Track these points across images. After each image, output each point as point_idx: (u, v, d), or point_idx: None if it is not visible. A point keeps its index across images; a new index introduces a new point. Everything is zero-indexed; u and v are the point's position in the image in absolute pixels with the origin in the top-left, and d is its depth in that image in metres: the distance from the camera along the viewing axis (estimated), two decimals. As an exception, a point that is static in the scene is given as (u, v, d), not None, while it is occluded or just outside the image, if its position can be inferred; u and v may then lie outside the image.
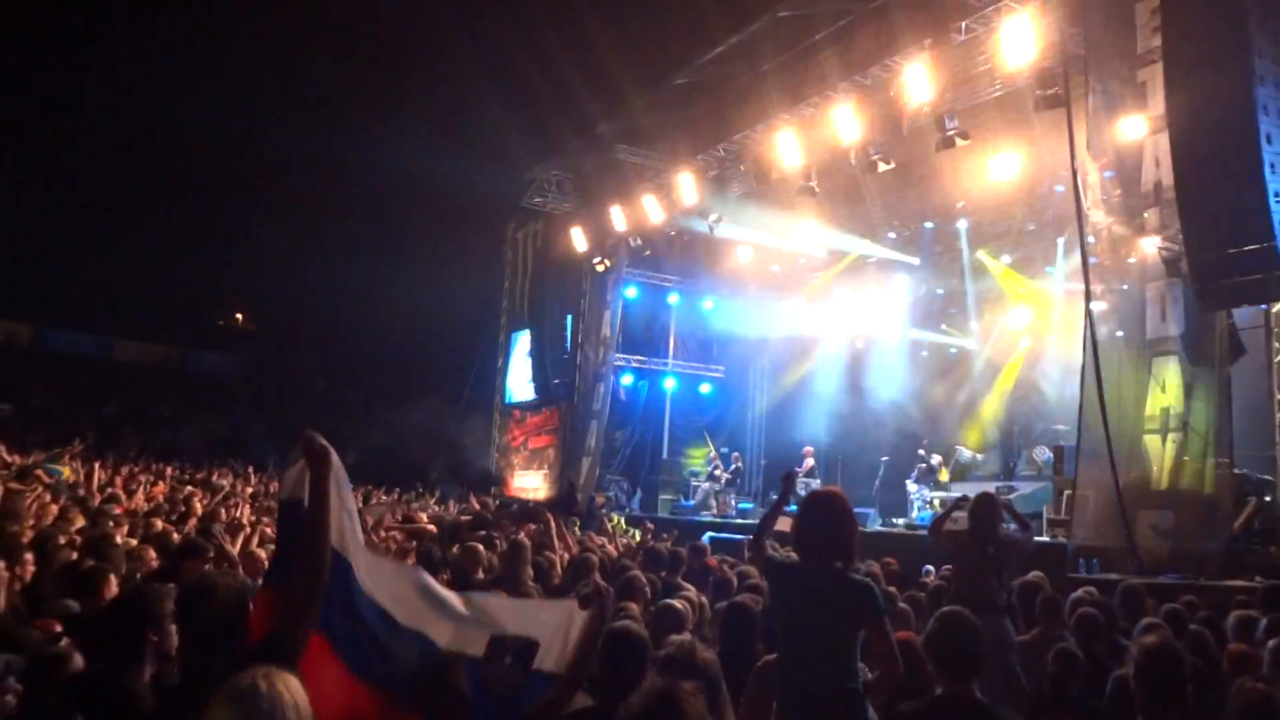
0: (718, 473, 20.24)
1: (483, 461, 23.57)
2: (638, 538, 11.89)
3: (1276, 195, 8.66)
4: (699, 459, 21.85)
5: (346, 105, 23.77)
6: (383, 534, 8.92)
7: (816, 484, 17.17)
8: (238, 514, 8.96)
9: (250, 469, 17.28)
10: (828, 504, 4.04)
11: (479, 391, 24.73)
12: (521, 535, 7.53)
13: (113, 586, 4.44)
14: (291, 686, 2.08)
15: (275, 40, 23.53)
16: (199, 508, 9.91)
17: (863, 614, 3.82)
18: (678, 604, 5.30)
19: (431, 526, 9.75)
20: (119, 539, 6.06)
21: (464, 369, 25.32)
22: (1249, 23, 8.82)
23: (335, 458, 3.14)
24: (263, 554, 6.21)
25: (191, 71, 24.59)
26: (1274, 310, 9.55)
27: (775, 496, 4.78)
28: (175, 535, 7.18)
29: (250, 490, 13.43)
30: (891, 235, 19.42)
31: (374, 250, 25.82)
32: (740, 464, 20.65)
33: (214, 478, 15.79)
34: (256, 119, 24.96)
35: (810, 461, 18.38)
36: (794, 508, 4.58)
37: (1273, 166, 8.68)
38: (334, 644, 3.12)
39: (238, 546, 6.46)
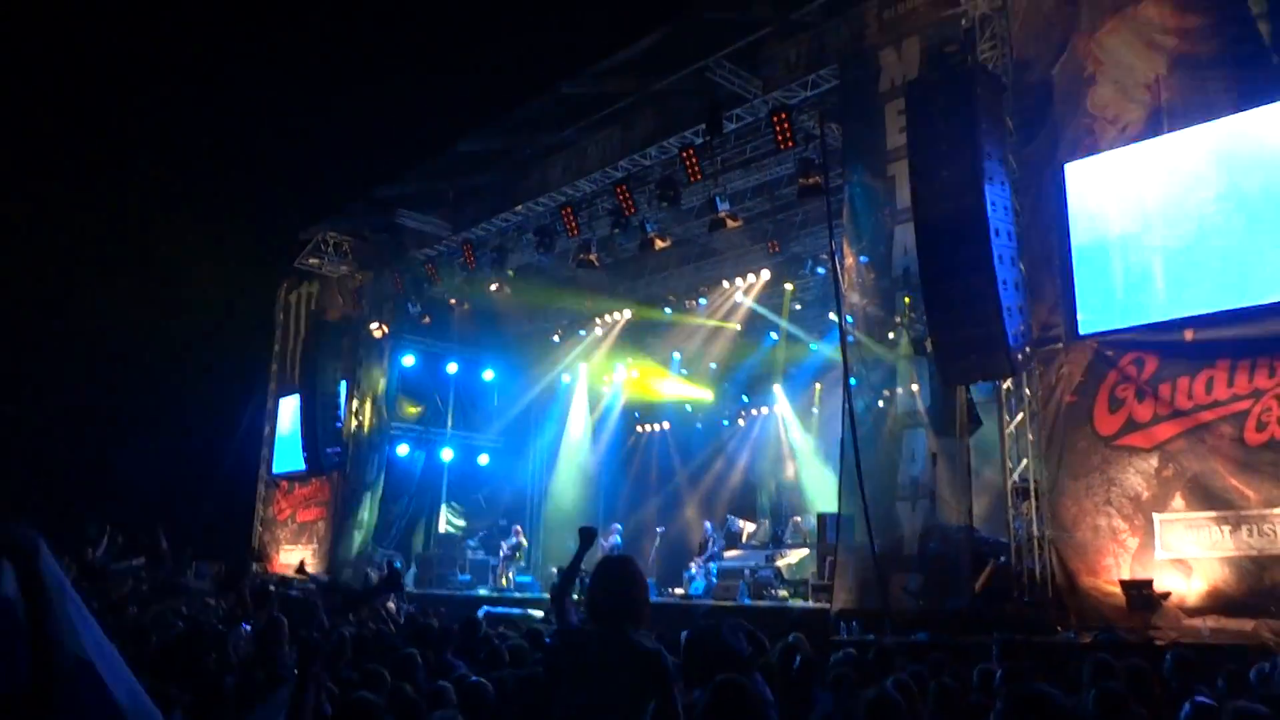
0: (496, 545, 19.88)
1: (245, 536, 22.05)
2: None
3: (1004, 283, 9.62)
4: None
5: (107, 141, 21.97)
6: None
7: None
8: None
9: None
10: (620, 570, 4.05)
11: (242, 461, 23.22)
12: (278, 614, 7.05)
13: None
14: None
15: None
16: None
17: (653, 681, 3.80)
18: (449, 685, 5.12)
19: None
20: None
21: (225, 437, 23.71)
22: (979, 128, 9.84)
23: (43, 547, 2.84)
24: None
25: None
26: (1004, 387, 10.50)
27: (575, 550, 4.77)
28: None
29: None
30: (668, 309, 20.07)
31: (123, 305, 23.66)
32: (523, 538, 20.40)
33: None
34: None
35: (616, 539, 18.33)
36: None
37: (1000, 258, 9.64)
38: None
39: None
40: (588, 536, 4.66)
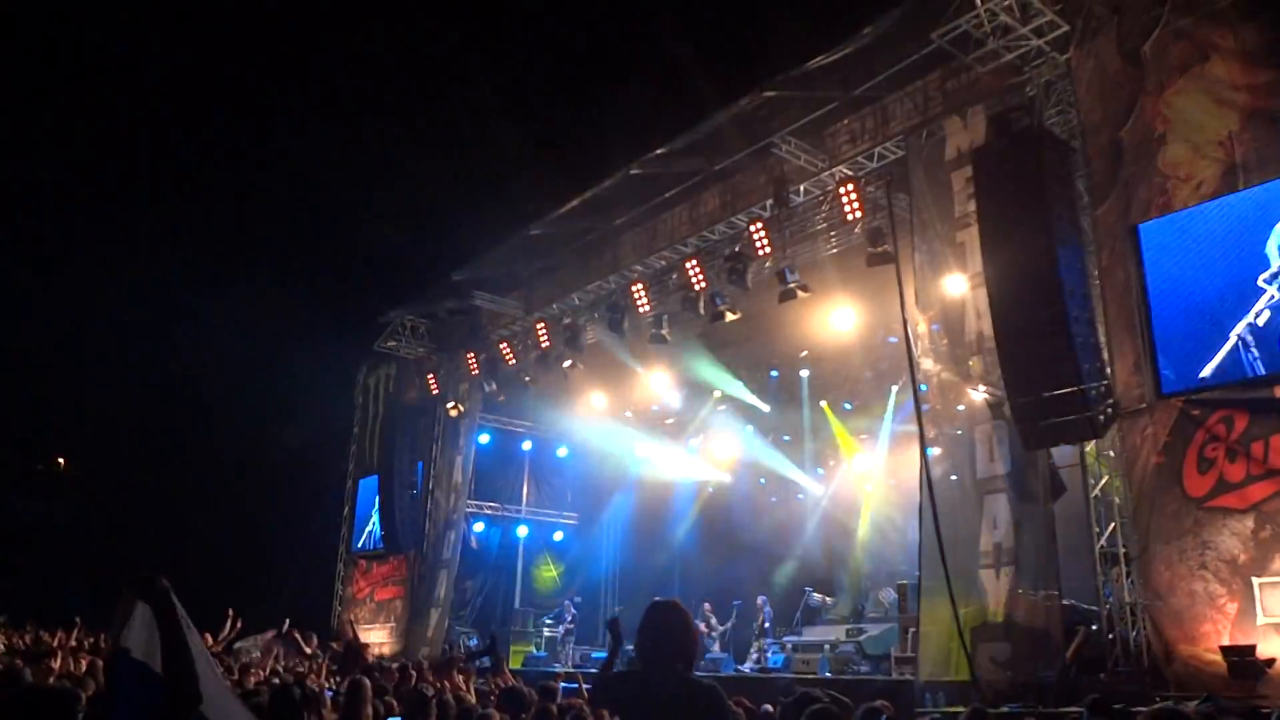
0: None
1: (324, 615, 22.30)
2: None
3: (1081, 344, 9.52)
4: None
5: (195, 233, 23.11)
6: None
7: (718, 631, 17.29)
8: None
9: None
10: (668, 612, 4.08)
11: (322, 540, 23.63)
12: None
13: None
14: None
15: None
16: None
17: (711, 714, 3.82)
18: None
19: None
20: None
21: (307, 517, 24.21)
22: (1049, 191, 9.86)
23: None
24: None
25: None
26: (1088, 449, 10.29)
27: (606, 653, 4.51)
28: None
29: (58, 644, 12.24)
30: (739, 383, 20.10)
31: (211, 391, 24.58)
32: (574, 613, 20.28)
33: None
34: (73, 252, 23.93)
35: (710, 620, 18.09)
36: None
37: (1076, 318, 9.56)
38: None
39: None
40: (615, 631, 4.38)
